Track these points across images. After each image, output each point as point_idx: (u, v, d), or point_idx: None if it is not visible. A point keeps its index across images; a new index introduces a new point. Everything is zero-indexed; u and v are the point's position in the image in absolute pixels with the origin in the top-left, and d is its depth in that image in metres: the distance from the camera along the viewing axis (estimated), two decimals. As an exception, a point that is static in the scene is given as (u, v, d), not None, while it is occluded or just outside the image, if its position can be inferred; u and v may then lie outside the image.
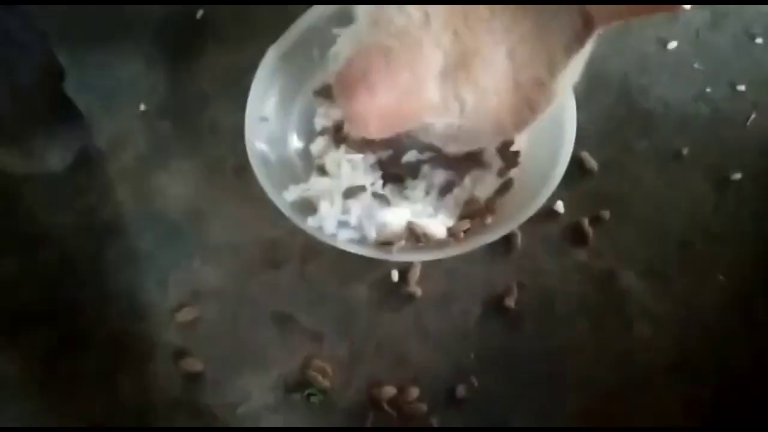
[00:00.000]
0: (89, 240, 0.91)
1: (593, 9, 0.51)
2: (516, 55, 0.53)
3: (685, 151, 0.90)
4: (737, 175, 0.88)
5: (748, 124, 0.91)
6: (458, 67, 0.53)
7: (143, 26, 1.06)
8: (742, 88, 0.93)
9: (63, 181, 0.93)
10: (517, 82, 0.55)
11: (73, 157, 0.92)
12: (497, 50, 0.53)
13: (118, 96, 1.00)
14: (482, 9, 0.51)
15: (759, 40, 0.96)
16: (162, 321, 0.86)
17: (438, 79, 0.54)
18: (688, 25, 0.97)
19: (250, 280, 0.88)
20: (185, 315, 0.86)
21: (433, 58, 0.53)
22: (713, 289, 0.84)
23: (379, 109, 0.52)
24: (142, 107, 0.99)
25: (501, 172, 0.83)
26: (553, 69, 0.55)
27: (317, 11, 0.90)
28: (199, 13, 1.04)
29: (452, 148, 0.74)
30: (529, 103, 0.57)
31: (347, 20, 0.88)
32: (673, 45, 0.96)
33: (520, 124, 0.61)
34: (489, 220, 0.80)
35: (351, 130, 0.56)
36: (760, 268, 0.84)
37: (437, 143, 0.69)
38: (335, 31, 0.89)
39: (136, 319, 0.86)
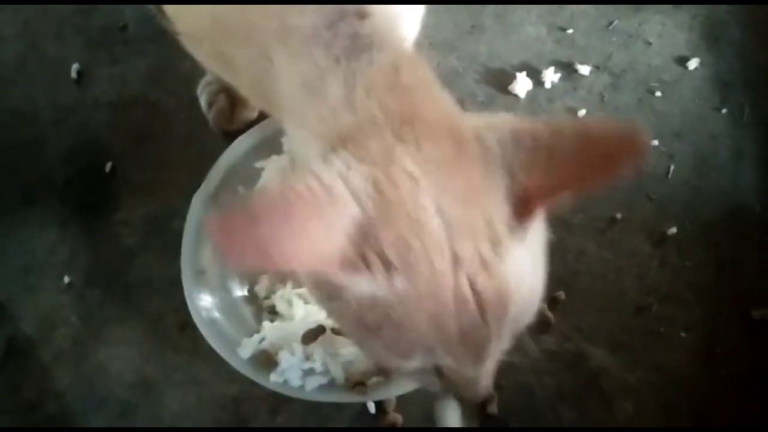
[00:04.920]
0: (35, 442, 0.84)
1: (533, 183, 0.47)
2: (448, 218, 0.47)
3: (618, 215, 0.92)
4: (673, 230, 0.91)
5: (669, 176, 0.95)
6: (381, 222, 0.47)
7: (48, 189, 1.00)
8: (655, 142, 0.97)
9: (-7, 381, 0.86)
10: (455, 253, 0.47)
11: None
12: (424, 207, 0.47)
13: (36, 272, 0.93)
14: (408, 161, 0.48)
15: (658, 93, 1.00)
16: None
17: (355, 232, 0.47)
18: (591, 91, 1.01)
19: (221, 447, 0.82)
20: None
21: (348, 207, 0.47)
22: (678, 348, 0.85)
23: (258, 240, 0.43)
24: (66, 279, 0.93)
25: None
26: (497, 246, 0.47)
27: (235, 148, 0.87)
28: (108, 166, 0.99)
29: (375, 353, 0.55)
30: (473, 287, 0.47)
31: (267, 152, 0.87)
32: (582, 112, 0.99)
33: (464, 320, 0.48)
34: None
35: (226, 261, 0.44)
36: (713, 317, 0.87)
37: (366, 333, 0.52)
38: (258, 164, 0.87)
39: None
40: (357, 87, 0.51)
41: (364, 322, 0.50)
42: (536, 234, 0.51)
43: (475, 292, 0.47)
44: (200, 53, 0.72)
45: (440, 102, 0.53)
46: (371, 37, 0.53)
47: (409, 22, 0.62)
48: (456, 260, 0.47)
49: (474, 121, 0.51)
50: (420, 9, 0.69)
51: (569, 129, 0.47)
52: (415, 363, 0.51)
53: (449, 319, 0.48)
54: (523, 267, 0.50)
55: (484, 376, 0.54)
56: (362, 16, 0.53)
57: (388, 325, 0.49)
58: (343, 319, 0.54)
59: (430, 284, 0.47)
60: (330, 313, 0.56)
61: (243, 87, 0.70)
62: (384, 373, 0.77)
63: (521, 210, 0.48)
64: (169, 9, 0.67)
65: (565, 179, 0.47)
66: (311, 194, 0.47)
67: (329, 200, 0.47)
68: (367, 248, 0.47)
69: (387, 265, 0.47)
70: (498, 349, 0.52)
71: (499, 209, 0.48)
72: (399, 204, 0.47)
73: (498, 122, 0.50)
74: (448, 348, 0.49)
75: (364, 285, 0.48)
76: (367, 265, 0.47)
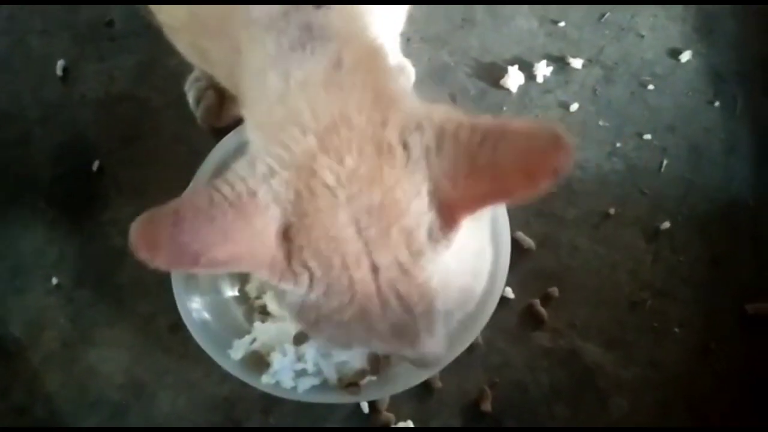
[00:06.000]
0: (23, 446, 0.83)
1: (456, 194, 0.47)
2: (365, 232, 0.48)
3: (612, 210, 0.92)
4: (666, 224, 0.91)
5: (662, 170, 0.95)
6: (301, 233, 0.48)
7: (35, 188, 0.98)
8: (648, 136, 0.96)
9: (-20, 385, 0.85)
10: (373, 263, 0.48)
11: (-14, 356, 0.83)
12: (342, 221, 0.47)
13: (24, 274, 0.92)
14: (328, 175, 0.47)
15: (651, 87, 1.00)
16: None
17: (281, 238, 0.48)
18: (584, 84, 1.00)
19: (214, 449, 0.82)
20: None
21: (271, 212, 0.48)
22: (673, 343, 0.85)
23: (180, 243, 0.44)
24: (54, 280, 0.91)
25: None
26: (417, 255, 0.48)
27: (224, 145, 0.86)
28: (95, 165, 0.98)
29: (321, 342, 0.59)
30: (396, 292, 0.49)
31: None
32: (575, 106, 0.98)
33: (392, 319, 0.50)
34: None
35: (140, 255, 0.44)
36: (707, 312, 0.87)
37: (307, 327, 0.55)
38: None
39: None
40: (291, 80, 0.49)
41: (303, 316, 0.53)
42: (472, 231, 0.50)
43: (399, 296, 0.49)
44: (180, 45, 0.71)
45: (377, 102, 0.49)
46: (323, 29, 0.51)
47: (384, 15, 0.60)
48: (375, 269, 0.48)
49: (408, 118, 0.49)
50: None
51: (493, 133, 0.45)
52: (357, 349, 0.55)
53: (377, 319, 0.50)
54: (449, 270, 0.50)
55: (430, 348, 0.54)
56: (319, 5, 0.51)
57: (323, 322, 0.52)
58: (290, 312, 0.55)
59: (350, 293, 0.49)
60: (280, 305, 0.57)
61: (221, 80, 0.69)
62: (376, 372, 0.76)
63: (446, 218, 0.48)
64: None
65: (486, 191, 0.46)
66: (236, 197, 0.47)
67: (254, 205, 0.48)
68: (292, 255, 0.49)
69: (310, 274, 0.49)
70: (435, 333, 0.53)
71: (420, 219, 0.48)
72: (317, 218, 0.48)
73: (427, 123, 0.48)
74: (382, 341, 0.52)
75: (292, 288, 0.50)
76: (293, 272, 0.49)
